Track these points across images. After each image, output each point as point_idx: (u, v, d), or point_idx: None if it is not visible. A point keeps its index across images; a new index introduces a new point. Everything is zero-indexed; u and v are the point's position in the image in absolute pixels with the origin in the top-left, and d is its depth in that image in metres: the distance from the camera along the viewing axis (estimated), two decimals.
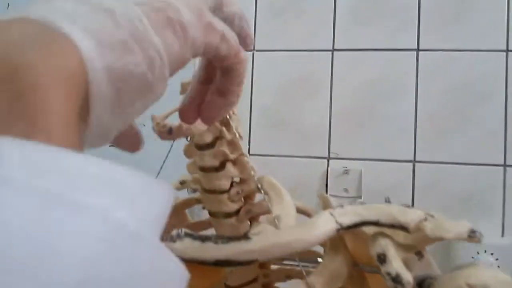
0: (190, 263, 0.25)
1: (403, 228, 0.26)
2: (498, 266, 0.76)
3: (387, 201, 0.30)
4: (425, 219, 0.26)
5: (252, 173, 0.35)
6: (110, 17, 0.20)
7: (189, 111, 0.28)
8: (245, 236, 0.25)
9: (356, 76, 0.87)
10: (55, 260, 0.13)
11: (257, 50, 0.91)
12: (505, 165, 0.81)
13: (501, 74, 0.82)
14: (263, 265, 0.37)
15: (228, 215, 0.36)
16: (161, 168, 0.37)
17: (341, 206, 0.28)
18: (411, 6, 0.86)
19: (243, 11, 0.28)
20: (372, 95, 0.86)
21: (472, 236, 0.25)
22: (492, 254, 0.77)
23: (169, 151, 0.35)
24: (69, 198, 0.14)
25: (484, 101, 0.82)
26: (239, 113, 0.89)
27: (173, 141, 0.34)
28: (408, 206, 0.28)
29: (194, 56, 0.24)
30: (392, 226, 0.26)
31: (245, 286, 0.36)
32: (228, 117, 0.34)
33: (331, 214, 0.27)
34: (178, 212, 0.43)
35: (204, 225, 0.42)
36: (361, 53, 0.87)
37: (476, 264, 0.26)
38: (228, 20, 0.27)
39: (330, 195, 0.85)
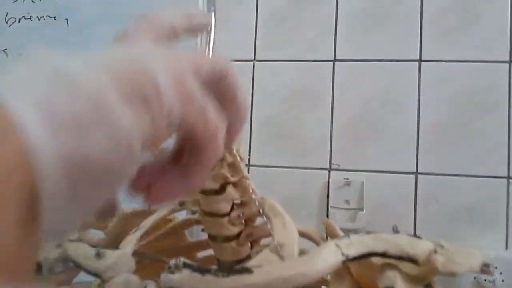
0: None
1: (412, 260, 0.25)
2: (503, 280, 0.75)
3: (395, 230, 0.29)
4: (435, 251, 0.25)
5: (254, 196, 0.35)
6: (70, 92, 0.17)
7: (137, 181, 0.22)
8: (247, 269, 0.24)
9: (358, 86, 0.86)
10: None
11: (257, 60, 0.90)
12: (508, 177, 0.80)
13: (505, 85, 0.82)
14: None
15: (229, 238, 0.35)
16: None
17: (347, 236, 0.27)
18: (413, 17, 0.85)
19: (246, 99, 0.25)
20: (374, 106, 0.85)
21: (485, 270, 0.24)
22: (496, 267, 0.75)
23: None
24: None
25: (487, 113, 0.82)
26: None
27: None
28: (417, 237, 0.27)
29: (170, 128, 0.20)
30: (400, 258, 0.25)
31: None
32: None
33: (337, 245, 0.26)
34: (177, 232, 0.42)
35: (204, 245, 0.41)
36: (363, 64, 0.86)
37: None
38: (224, 100, 0.24)
39: (331, 207, 0.84)
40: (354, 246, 0.26)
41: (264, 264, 0.25)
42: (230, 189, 0.34)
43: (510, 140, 0.81)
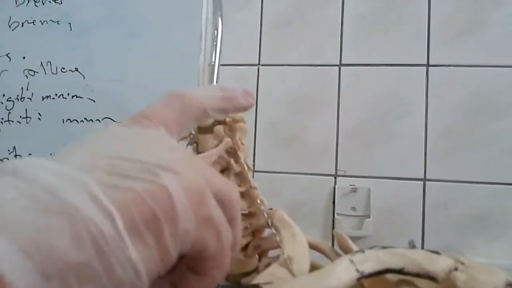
0: None
1: (430, 278, 0.24)
2: None
3: (412, 245, 0.28)
4: (456, 269, 0.24)
5: (262, 207, 0.33)
6: (67, 226, 0.15)
7: None
8: (257, 286, 0.23)
9: (364, 91, 0.85)
10: None
11: (262, 65, 0.89)
12: None
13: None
14: None
15: None
16: None
17: (362, 251, 0.26)
18: (420, 21, 0.84)
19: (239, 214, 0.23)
20: (381, 110, 0.84)
21: None
22: None
23: None
24: None
25: (496, 118, 0.80)
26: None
27: None
28: (436, 252, 0.25)
29: (179, 251, 0.18)
30: (418, 275, 0.24)
31: None
32: (236, 147, 0.32)
33: (351, 261, 0.24)
34: None
35: None
36: (369, 68, 0.85)
37: None
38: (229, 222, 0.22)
39: (337, 213, 0.83)
40: (370, 262, 0.24)
41: (274, 281, 0.24)
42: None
43: None
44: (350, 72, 0.86)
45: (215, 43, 0.37)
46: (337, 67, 0.87)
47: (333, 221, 0.83)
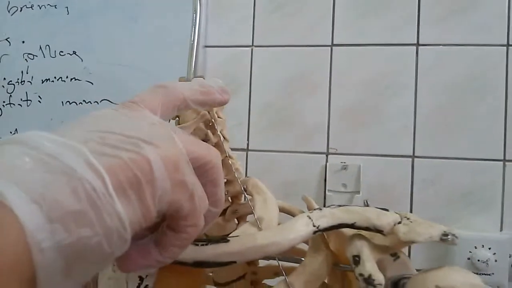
0: (172, 264, 0.26)
1: (378, 231, 0.26)
2: (496, 261, 0.76)
3: (366, 204, 0.31)
4: (399, 222, 0.26)
5: (237, 175, 0.36)
6: (67, 183, 0.19)
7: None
8: (224, 239, 0.26)
9: (355, 71, 0.87)
10: None
11: (255, 46, 0.91)
12: (504, 160, 0.81)
13: (502, 69, 0.82)
14: (251, 262, 0.38)
15: None
16: None
17: (320, 209, 0.29)
18: (411, 0, 0.85)
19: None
20: (372, 90, 0.86)
21: (445, 239, 0.26)
22: (489, 248, 0.77)
23: None
24: None
25: (484, 96, 0.82)
26: (237, 108, 0.90)
27: None
28: (385, 209, 0.28)
29: (158, 209, 0.22)
30: (368, 228, 0.27)
31: (233, 283, 0.37)
32: (213, 120, 0.34)
33: (309, 217, 0.27)
34: None
35: None
36: (360, 48, 0.87)
37: (451, 267, 0.26)
38: (207, 185, 0.25)
39: (329, 190, 0.85)
40: (325, 218, 0.27)
41: (241, 235, 0.27)
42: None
43: (507, 123, 0.81)
44: (342, 53, 0.88)
45: (194, 25, 0.39)
46: (329, 48, 0.88)
47: (325, 197, 0.86)
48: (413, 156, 0.84)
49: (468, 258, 0.77)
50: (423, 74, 0.84)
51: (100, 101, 0.91)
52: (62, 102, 0.92)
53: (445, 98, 0.83)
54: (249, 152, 0.91)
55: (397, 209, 0.80)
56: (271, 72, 0.91)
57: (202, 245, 0.26)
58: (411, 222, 0.26)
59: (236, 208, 0.37)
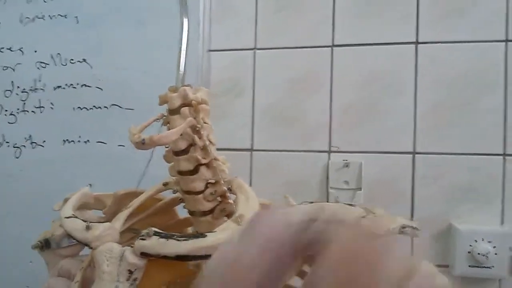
0: (156, 257, 0.29)
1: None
2: (496, 254, 0.77)
3: (336, 200, 0.33)
4: (364, 217, 0.28)
5: (222, 176, 0.39)
6: None
7: None
8: (202, 234, 0.29)
9: (356, 71, 0.89)
10: None
11: (258, 49, 0.94)
12: (504, 154, 0.82)
13: (501, 65, 0.83)
14: None
15: (204, 213, 0.40)
16: (144, 171, 0.40)
17: (292, 205, 0.31)
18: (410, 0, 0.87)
19: None
20: (372, 88, 0.88)
21: (403, 231, 0.28)
22: (489, 242, 0.78)
23: (150, 157, 0.39)
24: None
25: (484, 93, 0.83)
26: (241, 110, 0.92)
27: (153, 148, 0.38)
28: (351, 205, 0.30)
29: None
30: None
31: None
32: (199, 126, 0.37)
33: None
34: (167, 210, 0.47)
35: (189, 222, 0.46)
36: (360, 48, 0.89)
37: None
38: None
39: (331, 187, 0.88)
40: (296, 213, 0.29)
41: (218, 231, 0.29)
42: (203, 169, 0.38)
43: (507, 119, 0.82)
44: (343, 53, 0.90)
45: (181, 31, 0.42)
46: (330, 48, 0.90)
47: (327, 194, 0.88)
48: (413, 153, 0.86)
49: (469, 252, 0.79)
50: (423, 72, 0.86)
51: (110, 106, 0.95)
52: (74, 107, 0.96)
53: (445, 95, 0.85)
54: (253, 152, 0.94)
55: (399, 205, 0.82)
56: (273, 74, 0.93)
57: (183, 240, 0.29)
58: (375, 216, 0.28)
59: (224, 207, 0.40)
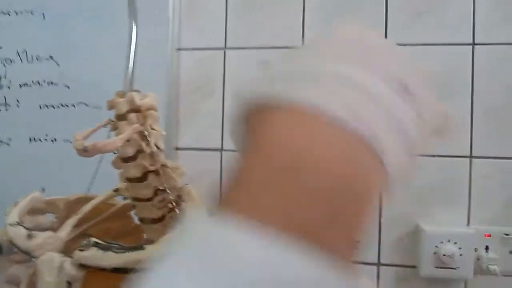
0: (95, 270, 0.28)
1: None
2: (461, 255, 0.78)
3: None
4: None
5: (172, 183, 0.38)
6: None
7: None
8: (140, 247, 0.28)
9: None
10: None
11: (228, 48, 0.93)
12: (471, 157, 0.83)
13: (467, 68, 0.83)
14: None
15: (154, 220, 0.39)
16: (96, 171, 0.39)
17: None
18: (379, 1, 0.87)
19: None
20: None
21: None
22: (455, 243, 0.79)
23: (101, 159, 0.38)
24: None
25: (451, 94, 0.84)
26: (212, 110, 0.91)
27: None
28: None
29: None
30: None
31: None
32: (147, 133, 0.36)
33: None
34: (121, 215, 0.46)
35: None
36: None
37: None
38: None
39: None
40: None
41: (157, 243, 0.29)
42: (151, 177, 0.38)
43: (473, 121, 0.83)
44: None
45: (130, 35, 0.41)
46: None
47: None
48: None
49: (435, 253, 0.79)
50: None
51: (77, 104, 0.93)
52: (40, 105, 0.94)
53: None
54: (223, 152, 0.93)
55: None
56: (245, 74, 0.92)
57: (121, 252, 0.28)
58: None
59: (175, 214, 0.40)
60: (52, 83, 0.94)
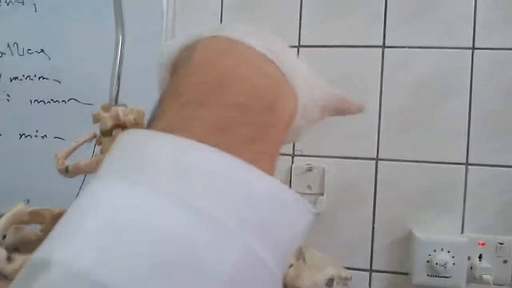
0: None
1: None
2: (454, 264, 0.77)
3: None
4: (291, 266, 0.27)
5: None
6: None
7: None
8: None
9: (320, 72, 0.87)
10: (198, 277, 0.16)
11: None
12: (467, 164, 0.82)
13: (467, 72, 0.82)
14: None
15: None
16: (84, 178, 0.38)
17: None
18: (377, 2, 0.85)
19: None
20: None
21: (330, 285, 0.26)
22: (448, 252, 0.78)
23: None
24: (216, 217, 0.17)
25: (448, 99, 0.82)
26: None
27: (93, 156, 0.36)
28: None
29: None
30: None
31: None
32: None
33: None
34: None
35: None
36: (326, 50, 0.87)
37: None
38: None
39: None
40: None
41: None
42: None
43: (470, 127, 0.82)
44: (308, 54, 0.88)
45: (116, 50, 0.39)
46: (296, 49, 0.88)
47: None
48: (376, 159, 0.85)
49: (427, 261, 0.79)
50: (388, 76, 0.84)
51: (68, 100, 0.91)
52: (31, 100, 0.92)
53: (410, 100, 0.83)
54: None
55: (361, 211, 0.81)
56: None
57: None
58: (299, 264, 0.27)
59: None
60: (43, 77, 0.92)
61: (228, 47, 0.24)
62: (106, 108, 0.36)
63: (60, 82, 0.91)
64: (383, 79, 0.84)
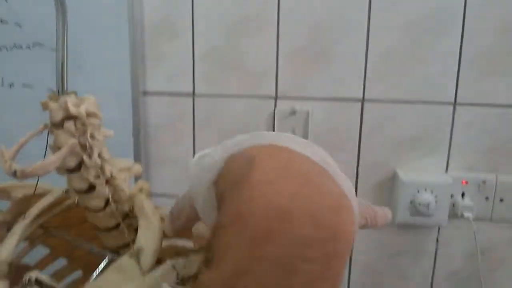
0: None
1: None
2: (436, 202, 0.78)
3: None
4: None
5: (121, 195, 0.34)
6: None
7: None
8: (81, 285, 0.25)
9: (304, 13, 0.81)
10: None
11: None
12: (455, 104, 0.79)
13: (458, 9, 0.77)
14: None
15: (108, 229, 0.36)
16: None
17: (185, 257, 0.28)
18: None
19: None
20: (321, 32, 0.81)
21: None
22: (432, 192, 0.78)
23: (46, 145, 0.33)
24: None
25: (438, 38, 0.78)
26: (180, 54, 0.84)
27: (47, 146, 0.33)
28: None
29: None
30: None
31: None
32: (88, 144, 0.31)
33: (173, 266, 0.26)
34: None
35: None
36: None
37: None
38: None
39: None
40: (186, 268, 0.26)
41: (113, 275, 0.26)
42: (100, 188, 0.33)
43: (460, 66, 0.78)
44: None
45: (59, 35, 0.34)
46: None
47: None
48: (362, 100, 0.82)
49: (411, 202, 0.79)
50: (375, 15, 0.79)
51: (32, 45, 0.84)
52: None
53: (398, 39, 0.79)
54: (195, 98, 0.88)
55: (346, 153, 0.80)
56: (216, 14, 0.84)
57: None
58: None
59: (130, 222, 0.36)
60: (1, 21, 0.84)
61: (288, 163, 0.23)
62: (54, 98, 0.32)
63: (20, 26, 0.84)
64: (371, 18, 0.79)
